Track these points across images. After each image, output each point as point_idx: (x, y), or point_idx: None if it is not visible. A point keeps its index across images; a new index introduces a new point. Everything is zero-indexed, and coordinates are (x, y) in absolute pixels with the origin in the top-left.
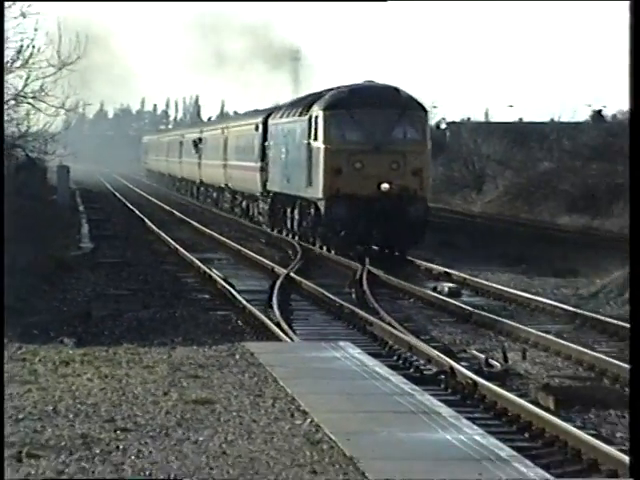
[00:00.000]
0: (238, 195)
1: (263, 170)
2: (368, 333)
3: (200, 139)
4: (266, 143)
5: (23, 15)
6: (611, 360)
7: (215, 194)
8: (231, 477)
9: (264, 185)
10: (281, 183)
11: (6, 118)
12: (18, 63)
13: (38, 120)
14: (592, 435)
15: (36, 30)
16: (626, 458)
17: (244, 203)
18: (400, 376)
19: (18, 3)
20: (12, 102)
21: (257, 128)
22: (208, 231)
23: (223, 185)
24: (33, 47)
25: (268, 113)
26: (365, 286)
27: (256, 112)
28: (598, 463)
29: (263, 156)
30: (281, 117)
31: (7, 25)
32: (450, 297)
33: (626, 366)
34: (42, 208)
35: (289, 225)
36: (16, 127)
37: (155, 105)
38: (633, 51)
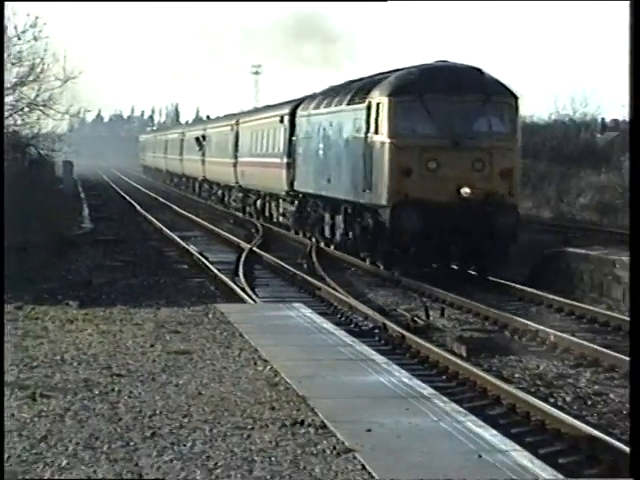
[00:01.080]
0: (251, 194)
1: (290, 167)
2: (317, 296)
3: (204, 136)
4: (294, 137)
5: (35, 39)
6: (511, 316)
7: (220, 192)
8: (206, 413)
9: (291, 184)
10: (316, 183)
11: (20, 122)
12: (31, 77)
13: (47, 124)
14: (495, 376)
15: (45, 51)
16: (521, 393)
17: (258, 202)
18: (343, 331)
19: (31, 30)
20: (26, 109)
21: (282, 120)
22: (186, 214)
23: (233, 183)
24: (43, 65)
25: (296, 104)
26: (314, 258)
27: (279, 104)
28: (500, 398)
29: (290, 152)
30: (317, 107)
31: (23, 47)
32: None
33: (522, 320)
34: (50, 195)
35: (326, 232)
36: (29, 130)
37: (142, 111)
38: (633, 51)
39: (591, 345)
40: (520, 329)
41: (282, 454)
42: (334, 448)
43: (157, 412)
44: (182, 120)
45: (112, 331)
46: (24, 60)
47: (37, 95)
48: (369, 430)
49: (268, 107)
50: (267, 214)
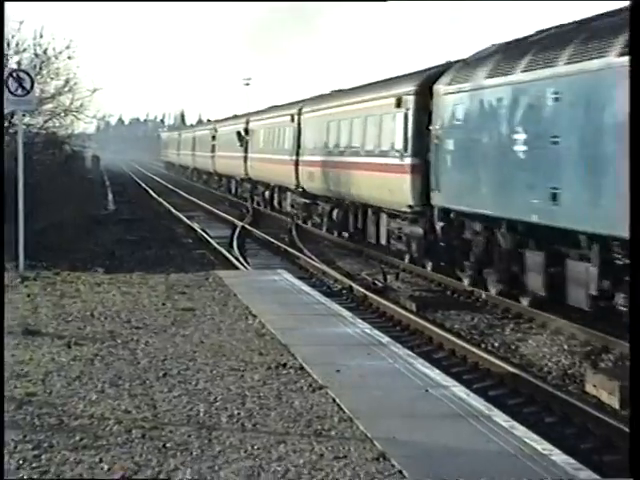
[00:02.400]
0: (322, 201)
1: (417, 171)
2: (296, 264)
3: (247, 130)
4: (432, 126)
5: (69, 58)
6: (451, 280)
7: (268, 193)
8: (207, 358)
9: (420, 196)
10: (506, 201)
11: (58, 125)
12: (66, 89)
13: (79, 126)
14: (439, 327)
15: (78, 67)
16: (460, 340)
17: (336, 213)
18: (317, 292)
19: (66, 50)
20: (62, 114)
21: (400, 104)
22: (191, 198)
23: (291, 185)
24: (76, 79)
25: (431, 76)
26: (294, 233)
27: (388, 81)
28: (443, 345)
29: (417, 149)
30: (494, 74)
31: (59, 64)
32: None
33: (459, 282)
34: (81, 183)
35: (535, 285)
36: (65, 131)
37: (155, 116)
38: (633, 51)
39: (510, 301)
40: (459, 289)
41: (268, 390)
42: (310, 385)
43: (168, 357)
44: (187, 123)
45: (131, 292)
46: (60, 75)
47: (71, 103)
48: (338, 371)
49: (357, 89)
50: (353, 229)
